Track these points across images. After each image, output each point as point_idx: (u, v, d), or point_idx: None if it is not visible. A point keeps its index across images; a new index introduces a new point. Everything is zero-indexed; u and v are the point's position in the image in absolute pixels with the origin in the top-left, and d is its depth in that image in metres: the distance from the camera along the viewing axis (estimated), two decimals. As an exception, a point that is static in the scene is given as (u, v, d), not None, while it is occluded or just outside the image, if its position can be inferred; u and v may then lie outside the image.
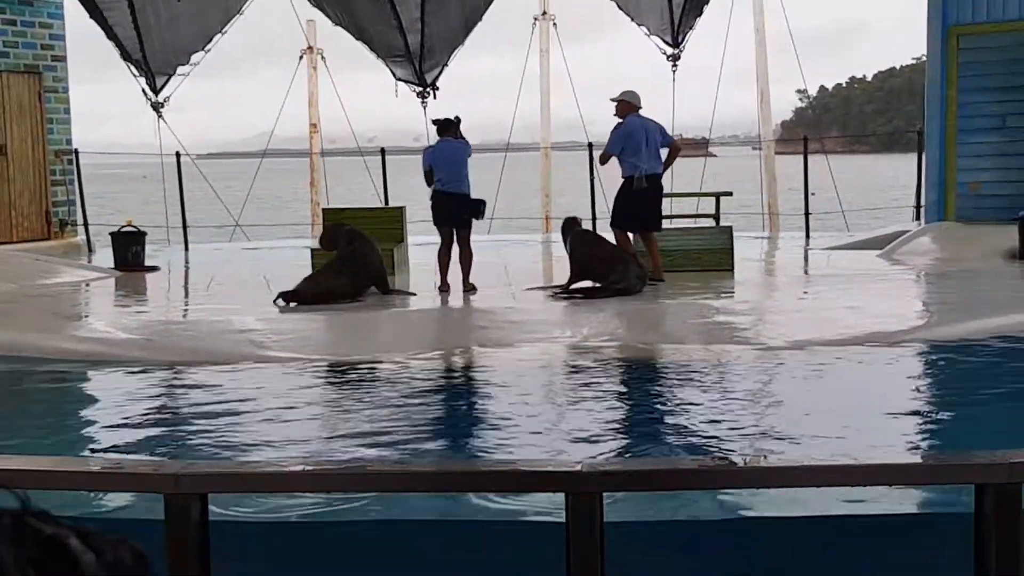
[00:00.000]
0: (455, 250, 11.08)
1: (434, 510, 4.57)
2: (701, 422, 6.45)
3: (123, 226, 13.96)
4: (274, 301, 10.36)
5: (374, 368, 8.12)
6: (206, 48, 16.73)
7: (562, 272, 11.22)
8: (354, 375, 7.96)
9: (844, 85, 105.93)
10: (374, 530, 4.46)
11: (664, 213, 12.02)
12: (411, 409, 6.98)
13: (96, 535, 0.94)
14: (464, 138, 11.16)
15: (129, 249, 13.74)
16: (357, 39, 17.39)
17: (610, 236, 11.50)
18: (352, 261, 10.80)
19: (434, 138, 11.42)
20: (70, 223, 15.86)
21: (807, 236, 16.49)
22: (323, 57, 20.41)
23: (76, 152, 16.10)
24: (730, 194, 14.48)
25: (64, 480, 2.84)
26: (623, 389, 7.66)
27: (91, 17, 15.81)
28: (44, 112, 15.28)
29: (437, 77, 17.96)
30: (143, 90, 16.77)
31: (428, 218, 11.36)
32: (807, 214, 16.82)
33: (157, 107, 16.86)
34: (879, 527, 4.35)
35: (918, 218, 15.59)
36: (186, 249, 16.78)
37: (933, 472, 2.98)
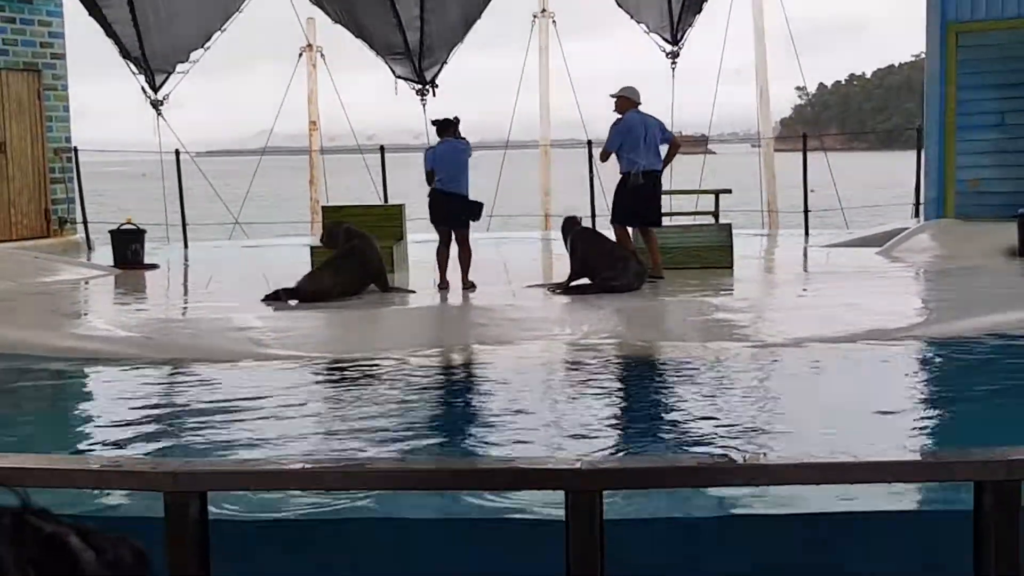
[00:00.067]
0: (454, 248, 11.09)
1: (433, 508, 4.57)
2: (700, 419, 6.45)
3: (122, 224, 13.96)
4: (263, 300, 10.36)
5: (373, 366, 8.12)
6: (205, 46, 16.71)
7: (562, 270, 11.22)
8: (353, 373, 7.96)
9: (843, 82, 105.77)
10: (373, 528, 4.46)
11: (664, 210, 12.02)
12: (410, 407, 6.99)
13: (96, 533, 0.94)
14: (464, 139, 11.16)
15: (128, 247, 13.73)
16: (356, 37, 17.37)
17: (610, 233, 11.51)
18: (351, 259, 10.80)
19: (433, 137, 11.42)
20: (69, 221, 15.85)
21: (806, 233, 16.49)
22: (322, 55, 20.38)
23: (75, 150, 16.09)
24: (729, 191, 14.48)
25: (63, 478, 2.84)
26: (622, 386, 7.67)
27: (90, 15, 15.79)
28: (43, 110, 15.27)
29: (436, 75, 17.95)
30: (142, 88, 16.74)
31: (427, 216, 11.36)
32: (806, 211, 16.81)
33: (156, 105, 16.84)
34: (878, 524, 4.36)
35: (917, 215, 15.57)
36: (185, 247, 16.77)
37: (932, 469, 2.98)
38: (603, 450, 5.90)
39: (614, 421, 6.66)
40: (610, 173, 12.01)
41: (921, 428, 6.34)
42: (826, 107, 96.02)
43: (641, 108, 11.33)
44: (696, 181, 17.54)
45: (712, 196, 14.20)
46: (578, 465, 2.63)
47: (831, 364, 7.93)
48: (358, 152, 19.97)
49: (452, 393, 7.60)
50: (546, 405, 7.10)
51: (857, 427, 6.21)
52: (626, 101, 11.33)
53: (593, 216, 16.01)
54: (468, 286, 10.96)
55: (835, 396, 7.22)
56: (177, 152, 17.20)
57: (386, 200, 16.83)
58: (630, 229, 11.52)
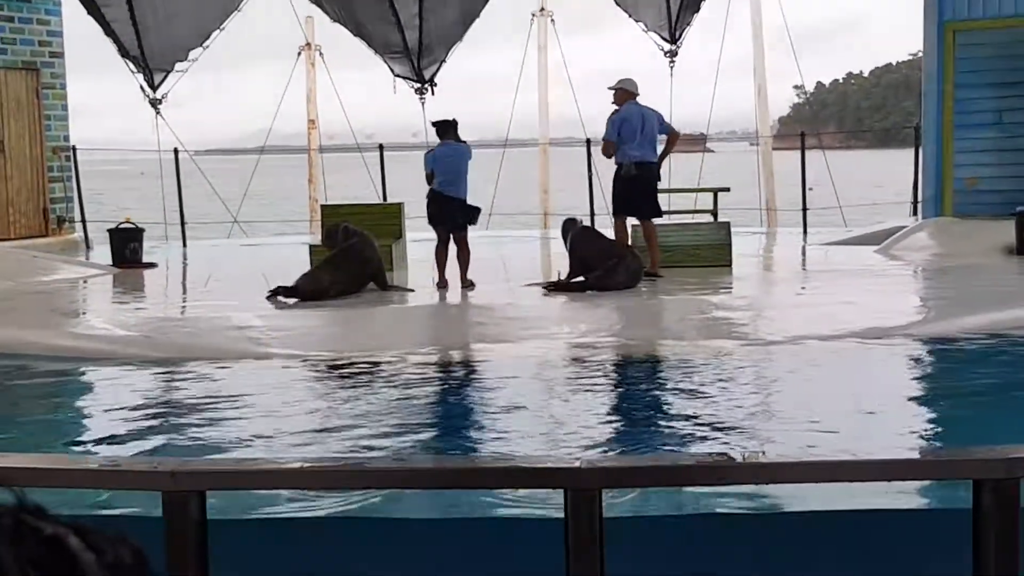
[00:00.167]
0: (453, 247, 11.08)
1: (433, 507, 4.57)
2: (699, 418, 6.45)
3: (121, 223, 13.95)
4: (267, 298, 10.36)
5: (372, 364, 8.12)
6: (204, 45, 16.71)
7: (561, 269, 11.21)
8: (352, 371, 7.95)
9: (841, 81, 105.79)
10: (373, 527, 4.46)
11: (662, 209, 12.01)
12: (409, 405, 6.98)
13: (95, 533, 0.94)
14: (465, 142, 11.15)
15: (127, 246, 13.72)
16: (355, 35, 17.37)
17: (610, 231, 11.51)
18: (350, 257, 10.80)
19: (432, 136, 11.41)
20: (68, 220, 15.85)
21: (804, 232, 16.49)
22: (321, 53, 20.37)
23: (74, 149, 16.08)
24: (728, 190, 14.49)
25: (61, 477, 2.83)
26: (621, 385, 7.67)
27: (89, 13, 15.78)
28: (42, 108, 15.26)
29: (435, 73, 17.95)
30: (141, 87, 16.75)
31: (426, 215, 11.35)
32: (804, 210, 16.82)
33: (155, 104, 16.84)
34: (878, 523, 4.35)
35: (915, 213, 15.57)
36: (184, 246, 16.77)
37: (931, 468, 2.98)
38: (602, 449, 5.89)
39: (613, 419, 6.66)
40: (610, 171, 12.01)
41: (919, 426, 6.35)
42: (824, 106, 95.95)
43: (640, 100, 11.31)
44: (695, 179, 17.55)
45: (711, 194, 14.21)
46: (577, 464, 2.63)
47: (829, 362, 7.93)
48: (357, 151, 19.97)
49: (451, 392, 7.60)
50: (545, 404, 7.10)
51: (856, 425, 6.21)
52: (624, 93, 11.31)
53: (592, 214, 16.01)
54: (467, 285, 10.96)
55: (833, 394, 7.22)
56: (176, 151, 17.20)
57: (385, 198, 16.82)
58: (630, 227, 11.52)
